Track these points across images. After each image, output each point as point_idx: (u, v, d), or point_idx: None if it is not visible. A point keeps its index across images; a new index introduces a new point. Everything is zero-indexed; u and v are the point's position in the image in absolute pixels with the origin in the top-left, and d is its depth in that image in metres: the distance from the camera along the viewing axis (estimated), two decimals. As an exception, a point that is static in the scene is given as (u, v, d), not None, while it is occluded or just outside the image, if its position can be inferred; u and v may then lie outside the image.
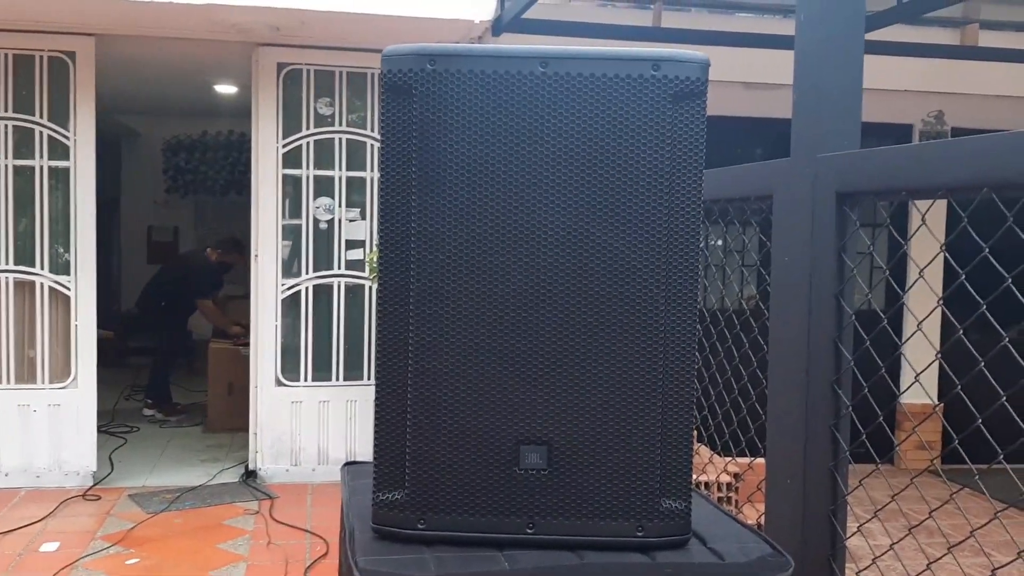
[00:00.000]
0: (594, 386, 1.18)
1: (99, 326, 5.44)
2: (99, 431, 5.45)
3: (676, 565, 1.17)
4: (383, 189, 1.19)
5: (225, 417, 6.68)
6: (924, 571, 1.36)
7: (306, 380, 5.57)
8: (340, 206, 5.56)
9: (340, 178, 5.56)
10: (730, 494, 3.88)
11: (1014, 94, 6.10)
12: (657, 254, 1.17)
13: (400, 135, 1.18)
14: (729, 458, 2.41)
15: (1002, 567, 1.24)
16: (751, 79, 5.76)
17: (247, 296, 5.86)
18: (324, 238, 5.58)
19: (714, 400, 2.31)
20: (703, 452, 3.63)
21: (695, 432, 3.19)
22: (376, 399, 1.22)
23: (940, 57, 5.65)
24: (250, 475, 5.56)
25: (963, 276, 1.27)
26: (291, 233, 5.55)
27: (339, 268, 5.58)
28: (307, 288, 5.56)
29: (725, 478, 3.87)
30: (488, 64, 1.16)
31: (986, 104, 6.17)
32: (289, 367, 5.56)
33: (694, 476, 3.55)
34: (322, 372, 5.60)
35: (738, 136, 6.31)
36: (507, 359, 1.18)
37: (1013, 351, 1.29)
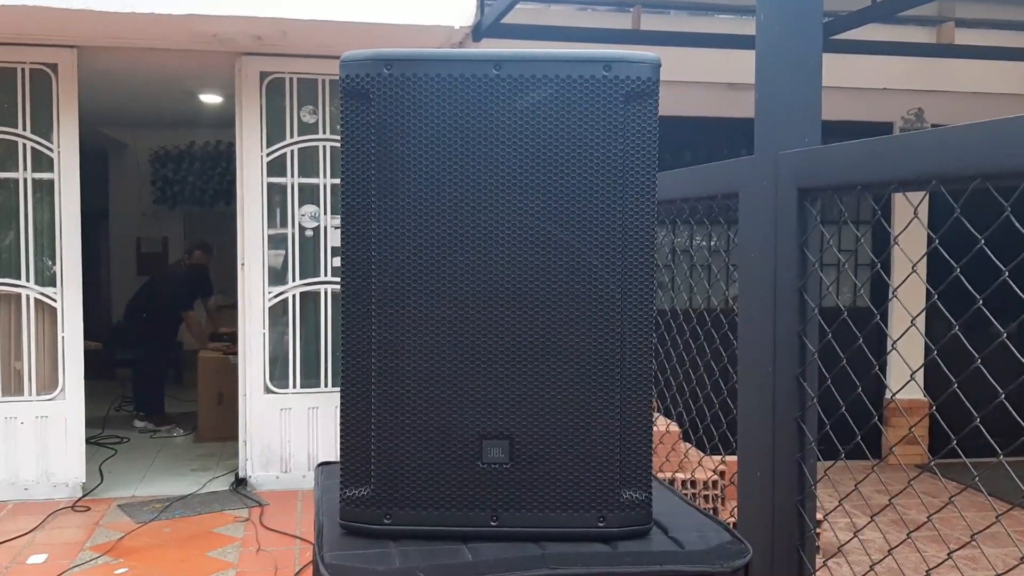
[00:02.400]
0: (554, 381, 1.21)
1: (88, 338, 5.45)
2: (89, 442, 5.46)
3: (636, 554, 1.19)
4: (344, 192, 1.21)
5: (215, 426, 6.69)
6: (884, 558, 1.39)
7: (295, 387, 5.59)
8: (325, 213, 5.59)
9: (324, 185, 5.58)
10: (714, 491, 3.91)
11: (991, 91, 6.16)
12: (613, 251, 1.20)
13: (359, 139, 1.21)
14: (712, 455, 2.44)
15: (957, 550, 1.27)
16: (734, 80, 5.80)
17: (235, 305, 5.87)
18: (310, 245, 5.60)
19: (688, 396, 2.34)
20: (680, 448, 3.66)
21: (678, 430, 3.20)
22: (341, 398, 1.24)
23: (917, 55, 5.71)
24: (240, 483, 5.57)
25: (913, 267, 1.30)
26: (277, 241, 5.57)
27: (325, 275, 5.61)
28: (294, 295, 5.58)
29: (702, 475, 3.90)
30: (443, 67, 1.19)
31: (965, 101, 6.22)
32: (278, 374, 5.57)
33: (681, 474, 3.57)
34: (310, 379, 5.61)
35: (722, 136, 6.35)
36: (468, 357, 1.21)
37: (964, 341, 1.32)
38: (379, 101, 1.20)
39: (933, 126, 6.36)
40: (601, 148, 1.20)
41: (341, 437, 1.24)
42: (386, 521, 1.23)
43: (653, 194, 1.21)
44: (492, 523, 1.22)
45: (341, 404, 1.24)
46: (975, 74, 6.06)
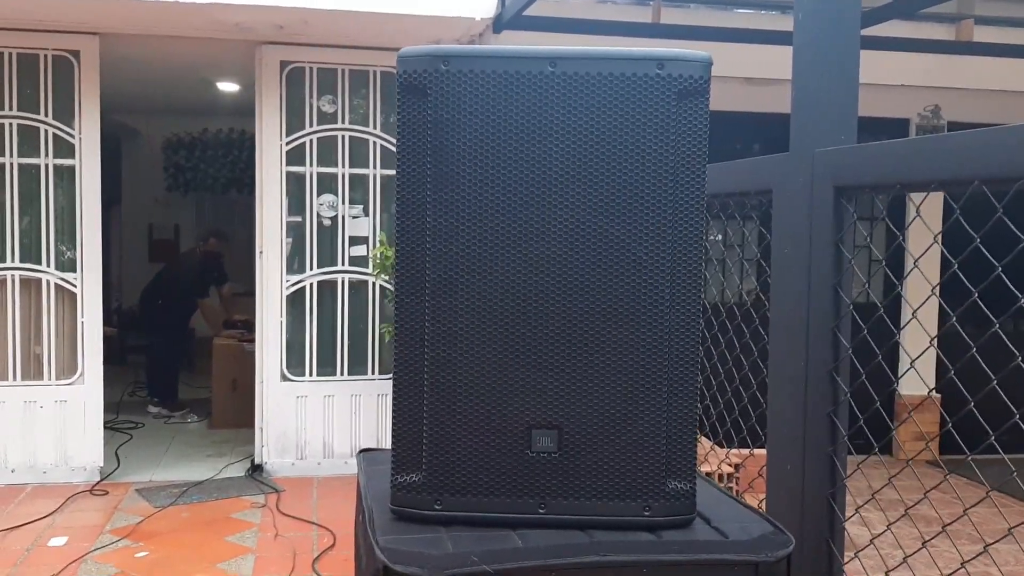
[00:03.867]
0: (603, 373, 1.23)
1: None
2: (104, 427, 5.50)
3: (682, 543, 1.22)
4: (400, 185, 1.24)
5: (230, 413, 6.74)
6: (918, 550, 1.41)
7: (311, 375, 5.63)
8: (343, 203, 5.61)
9: (343, 175, 5.61)
10: (731, 484, 3.93)
11: (1009, 88, 6.15)
12: (662, 246, 1.22)
13: (415, 133, 1.23)
14: (730, 449, 2.46)
15: (992, 543, 1.29)
16: (751, 75, 5.80)
17: (251, 293, 5.91)
18: (327, 235, 5.63)
19: (716, 390, 2.36)
20: (704, 443, 3.69)
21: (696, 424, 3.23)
22: (394, 386, 1.27)
23: (936, 52, 5.71)
24: (256, 469, 5.62)
25: (955, 266, 1.33)
26: (294, 230, 5.61)
27: (342, 264, 5.64)
28: (311, 284, 5.61)
29: (726, 468, 3.92)
30: (499, 64, 1.22)
31: (982, 98, 6.22)
32: (294, 362, 5.61)
33: (707, 467, 3.58)
34: (326, 367, 5.65)
35: (738, 131, 6.36)
36: (519, 347, 1.23)
37: (1005, 339, 1.34)
38: (436, 96, 1.22)
39: (950, 123, 6.36)
40: (653, 145, 1.22)
41: (393, 424, 1.27)
42: (436, 507, 1.26)
43: (703, 191, 1.23)
44: (540, 511, 1.25)
45: (394, 392, 1.27)
46: (993, 72, 6.05)
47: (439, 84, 1.22)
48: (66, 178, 5.31)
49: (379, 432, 5.63)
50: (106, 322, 5.77)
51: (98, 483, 5.32)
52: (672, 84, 1.21)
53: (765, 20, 5.81)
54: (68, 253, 5.34)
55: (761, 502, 1.95)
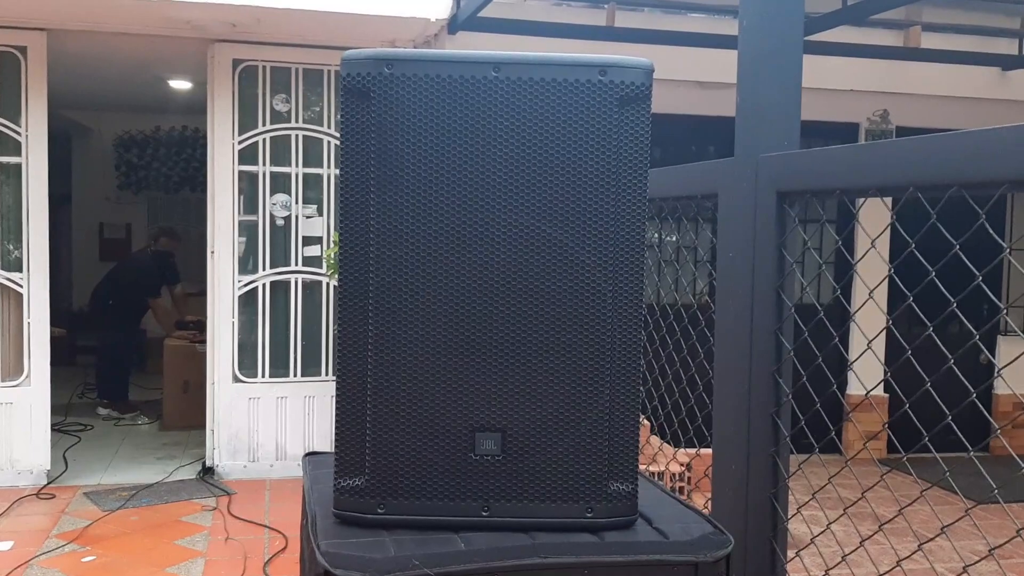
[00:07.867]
0: (545, 376, 1.24)
1: (51, 324, 5.39)
2: (52, 429, 5.41)
3: (624, 544, 1.23)
4: (343, 188, 1.24)
5: (181, 414, 6.65)
6: (856, 548, 1.44)
7: (263, 376, 5.57)
8: (297, 202, 5.57)
9: (296, 175, 5.57)
10: (681, 483, 3.98)
11: (955, 94, 6.29)
12: (604, 250, 1.23)
13: (359, 136, 1.23)
14: (680, 447, 2.49)
15: (928, 541, 1.33)
16: (705, 78, 5.87)
17: (203, 293, 5.85)
18: (281, 235, 5.58)
19: (664, 391, 2.39)
20: (654, 442, 3.72)
21: (648, 424, 3.26)
22: (337, 389, 1.27)
23: (884, 58, 5.82)
24: (207, 472, 5.55)
25: (890, 271, 1.35)
26: (247, 230, 5.55)
27: (296, 265, 5.59)
28: (264, 284, 5.56)
29: (676, 467, 3.96)
30: (443, 68, 1.22)
31: (929, 104, 6.35)
32: (246, 363, 5.56)
33: (646, 467, 3.63)
34: (279, 368, 5.60)
35: (693, 134, 6.42)
36: (462, 350, 1.24)
37: (938, 341, 1.37)
38: (379, 100, 1.22)
39: (898, 127, 6.48)
40: (595, 150, 1.23)
41: (336, 428, 1.27)
42: (379, 511, 1.26)
43: (644, 195, 1.25)
44: (483, 513, 1.26)
45: (337, 396, 1.27)
46: (940, 78, 6.18)
47: (382, 87, 1.22)
48: (12, 176, 5.21)
49: (332, 434, 5.59)
50: (55, 322, 5.67)
51: (45, 487, 5.22)
52: (614, 90, 1.23)
53: (719, 24, 5.87)
54: (14, 252, 5.24)
55: (707, 501, 1.98)
